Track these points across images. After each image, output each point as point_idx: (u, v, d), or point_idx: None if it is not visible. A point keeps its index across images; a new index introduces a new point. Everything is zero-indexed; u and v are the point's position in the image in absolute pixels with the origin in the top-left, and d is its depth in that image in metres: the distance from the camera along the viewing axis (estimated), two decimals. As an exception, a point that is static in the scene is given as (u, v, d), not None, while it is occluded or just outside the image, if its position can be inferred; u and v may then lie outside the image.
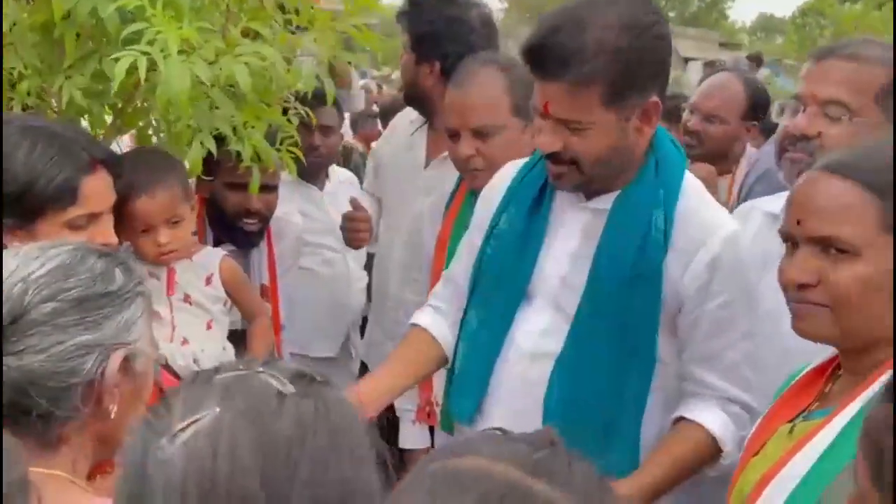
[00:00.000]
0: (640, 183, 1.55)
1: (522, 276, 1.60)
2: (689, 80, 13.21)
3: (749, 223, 1.76)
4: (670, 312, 1.54)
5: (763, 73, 11.02)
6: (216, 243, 2.20)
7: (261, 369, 0.81)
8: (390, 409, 2.23)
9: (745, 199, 2.34)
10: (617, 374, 1.53)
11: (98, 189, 1.53)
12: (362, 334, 2.76)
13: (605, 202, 1.56)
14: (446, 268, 2.04)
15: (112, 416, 1.02)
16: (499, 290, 1.63)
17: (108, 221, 1.57)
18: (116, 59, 1.51)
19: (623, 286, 1.51)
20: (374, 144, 2.61)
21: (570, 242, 1.59)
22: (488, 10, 2.40)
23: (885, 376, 0.87)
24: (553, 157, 1.52)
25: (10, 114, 1.67)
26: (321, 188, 2.69)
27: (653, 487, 1.49)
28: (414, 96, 2.37)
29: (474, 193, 2.04)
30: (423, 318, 1.78)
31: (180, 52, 1.49)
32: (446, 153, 2.23)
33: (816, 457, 1.10)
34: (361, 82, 5.19)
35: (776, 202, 1.69)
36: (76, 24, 1.62)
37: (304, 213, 2.58)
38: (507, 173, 1.73)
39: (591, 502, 0.68)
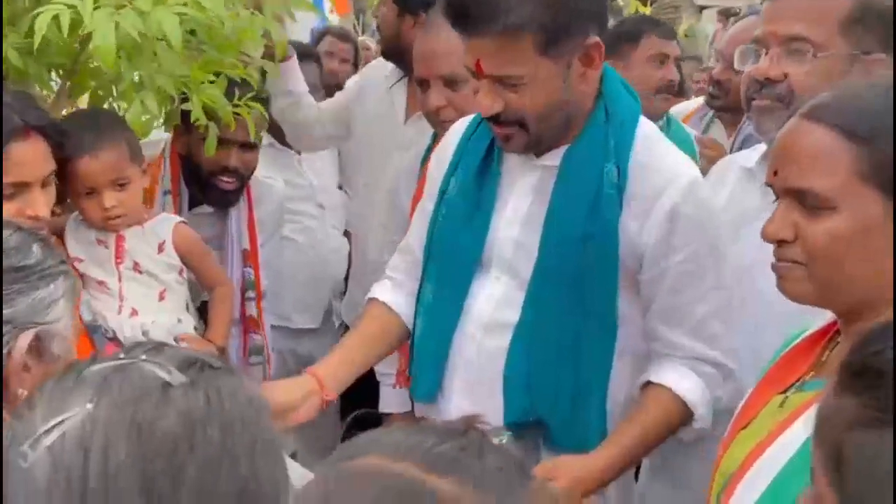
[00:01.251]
0: (589, 134, 1.44)
1: (475, 243, 1.50)
2: (703, 29, 12.91)
3: (726, 178, 1.66)
4: (630, 270, 1.44)
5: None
6: (192, 203, 2.13)
7: (144, 357, 0.70)
8: (370, 372, 2.18)
9: None
10: (577, 339, 1.44)
11: (28, 157, 1.45)
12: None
13: (556, 158, 1.46)
14: None
15: (19, 402, 0.92)
16: (452, 260, 1.54)
17: (40, 193, 1.48)
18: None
19: (576, 247, 1.42)
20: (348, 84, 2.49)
21: (521, 204, 1.49)
22: None
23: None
24: (495, 120, 1.41)
25: None
26: (299, 152, 2.60)
27: (622, 459, 1.43)
28: (395, 51, 2.25)
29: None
30: (382, 292, 1.69)
31: (117, 6, 1.39)
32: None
33: (810, 432, 1.01)
34: (361, 38, 5.04)
35: (752, 155, 1.60)
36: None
37: (286, 181, 2.48)
38: (457, 131, 1.61)
39: (505, 498, 0.60)
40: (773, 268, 1.09)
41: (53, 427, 0.66)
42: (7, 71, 1.60)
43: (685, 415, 1.45)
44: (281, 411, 1.43)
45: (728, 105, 2.62)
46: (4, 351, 0.92)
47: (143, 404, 0.67)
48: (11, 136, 1.42)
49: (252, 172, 2.11)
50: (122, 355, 0.71)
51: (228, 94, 1.77)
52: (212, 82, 1.69)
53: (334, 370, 1.54)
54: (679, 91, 3.03)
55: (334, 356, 1.60)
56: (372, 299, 1.69)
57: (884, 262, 0.99)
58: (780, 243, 1.06)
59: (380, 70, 2.38)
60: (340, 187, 2.93)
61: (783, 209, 1.06)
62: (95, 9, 1.39)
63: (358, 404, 2.41)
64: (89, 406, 0.67)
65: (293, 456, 1.92)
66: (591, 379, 1.46)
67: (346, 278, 2.75)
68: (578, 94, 1.41)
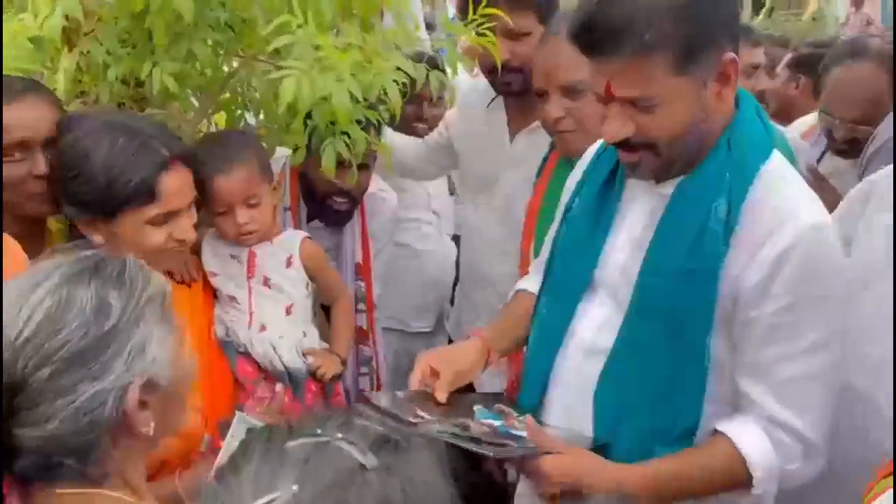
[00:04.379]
0: (707, 165, 1.35)
1: (587, 264, 1.48)
2: (834, 13, 12.17)
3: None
4: (727, 313, 1.34)
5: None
6: (309, 219, 2.21)
7: (339, 435, 0.73)
8: (470, 388, 2.20)
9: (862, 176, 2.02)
10: (667, 377, 1.36)
11: (176, 187, 1.53)
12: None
13: (674, 186, 1.39)
14: (536, 239, 1.95)
15: (151, 432, 0.98)
16: (565, 279, 1.53)
17: (187, 218, 1.57)
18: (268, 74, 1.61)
19: (675, 281, 1.34)
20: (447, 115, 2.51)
21: (635, 229, 1.43)
22: None
23: None
24: (624, 144, 1.35)
25: (89, 108, 1.70)
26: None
27: (640, 482, 1.34)
28: (511, 69, 2.23)
29: (567, 161, 1.94)
30: (528, 283, 1.73)
31: (324, 67, 1.52)
32: (534, 124, 2.13)
33: None
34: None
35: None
36: (166, 12, 1.63)
37: (401, 188, 2.54)
38: (588, 154, 1.60)
39: None
40: None
41: None
42: (153, 92, 1.72)
43: (740, 472, 1.34)
44: (463, 374, 1.55)
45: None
46: (117, 412, 0.94)
47: (344, 491, 0.70)
48: (160, 168, 1.51)
49: (364, 191, 2.18)
50: (318, 430, 0.74)
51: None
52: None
53: (497, 338, 1.62)
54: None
55: (494, 327, 1.67)
56: (520, 290, 1.74)
57: None
58: None
59: (475, 92, 2.37)
60: (451, 193, 2.96)
61: None
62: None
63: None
64: (295, 488, 0.70)
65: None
66: (678, 420, 1.38)
67: (454, 284, 2.79)
68: (713, 116, 1.34)
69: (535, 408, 1.54)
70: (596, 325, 1.47)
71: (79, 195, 1.51)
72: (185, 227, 1.57)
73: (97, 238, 1.54)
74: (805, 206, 1.34)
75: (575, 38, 1.32)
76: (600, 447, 1.41)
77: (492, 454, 1.30)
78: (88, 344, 0.92)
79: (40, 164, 1.53)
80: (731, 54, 1.30)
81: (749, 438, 1.34)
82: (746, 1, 11.92)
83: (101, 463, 0.95)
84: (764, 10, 11.47)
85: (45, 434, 0.91)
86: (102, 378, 0.93)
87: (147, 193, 1.49)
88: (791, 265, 1.29)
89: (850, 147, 2.40)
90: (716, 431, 1.37)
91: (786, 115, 3.11)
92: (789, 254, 1.29)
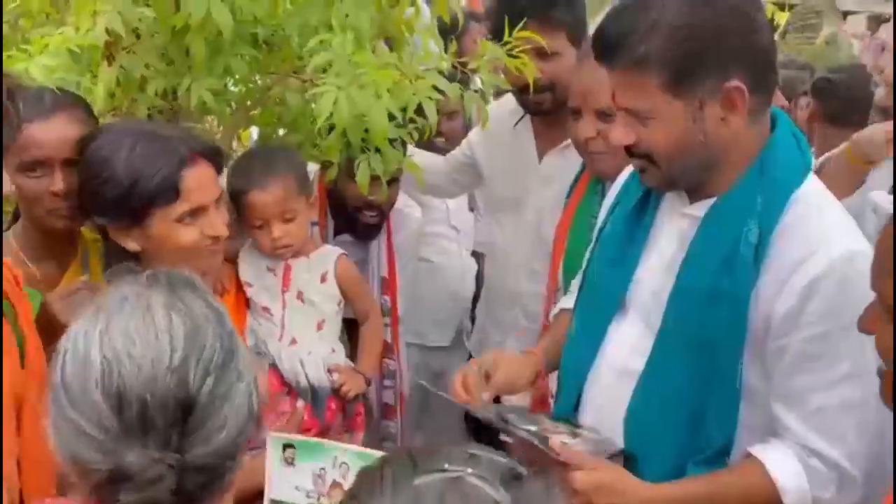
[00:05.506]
0: (739, 188, 1.36)
1: (619, 285, 1.48)
2: (848, 37, 12.19)
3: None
4: (759, 339, 1.33)
5: (935, 29, 10.01)
6: (336, 233, 2.23)
7: (469, 470, 0.72)
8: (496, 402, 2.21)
9: None
10: (698, 400, 1.36)
11: (200, 181, 1.53)
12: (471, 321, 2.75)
13: (703, 209, 1.40)
14: (566, 258, 1.96)
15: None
16: (597, 299, 1.54)
17: (216, 214, 1.56)
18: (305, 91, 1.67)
19: (705, 304, 1.34)
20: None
21: (666, 251, 1.44)
22: None
23: None
24: (629, 151, 1.39)
25: (114, 122, 1.72)
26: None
27: (678, 499, 1.35)
28: (542, 89, 2.26)
29: (598, 181, 1.96)
30: (570, 302, 1.73)
31: (361, 84, 1.55)
32: (564, 143, 2.15)
33: None
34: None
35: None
36: (205, 29, 1.66)
37: (422, 204, 2.56)
38: (623, 175, 1.62)
39: None
40: None
41: None
42: (191, 106, 1.75)
43: (771, 498, 1.33)
44: (512, 384, 1.61)
45: None
46: (257, 405, 0.96)
47: None
48: (183, 164, 1.50)
49: (393, 205, 2.20)
50: (446, 465, 0.73)
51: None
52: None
53: (548, 356, 1.66)
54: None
55: (545, 346, 1.71)
56: (563, 309, 1.76)
57: None
58: None
59: (502, 112, 2.37)
60: (471, 209, 2.98)
61: None
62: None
63: (482, 431, 2.45)
64: None
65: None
66: (711, 442, 1.37)
67: (474, 299, 2.79)
68: (718, 139, 1.33)
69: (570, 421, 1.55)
70: (627, 346, 1.47)
71: (106, 202, 1.51)
72: (215, 223, 1.56)
73: (131, 245, 1.54)
74: (838, 233, 1.33)
75: (592, 45, 1.39)
76: (629, 455, 1.42)
77: None
78: (227, 347, 0.93)
79: (58, 182, 1.55)
80: (736, 82, 1.29)
81: (781, 464, 1.33)
82: (760, 24, 11.90)
83: (235, 472, 0.95)
84: (777, 33, 11.52)
85: (217, 446, 0.89)
86: (244, 374, 0.94)
87: (171, 190, 1.49)
88: (821, 295, 1.28)
89: (882, 119, 2.35)
90: (748, 455, 1.37)
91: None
92: (820, 283, 1.28)
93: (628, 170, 1.61)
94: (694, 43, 1.28)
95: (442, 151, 2.62)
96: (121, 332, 0.90)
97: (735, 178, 1.37)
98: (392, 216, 2.26)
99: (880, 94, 2.49)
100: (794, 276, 1.30)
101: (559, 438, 1.39)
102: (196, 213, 1.53)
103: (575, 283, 1.75)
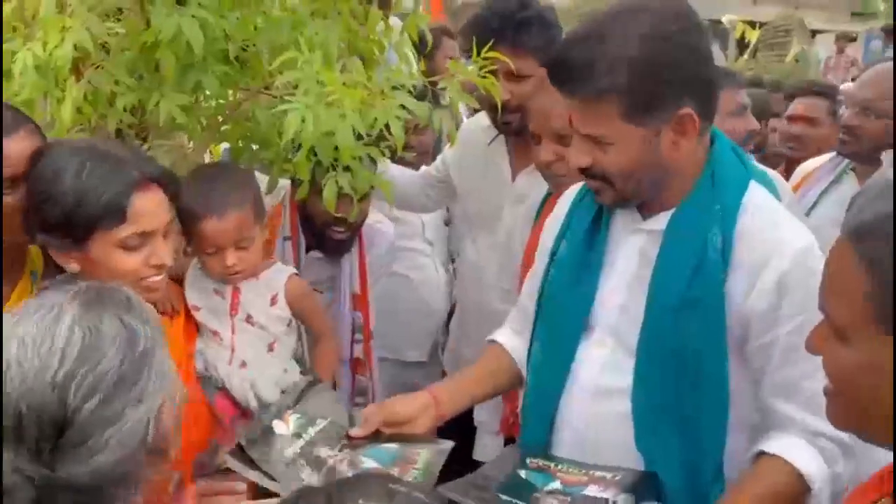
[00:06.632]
0: (695, 199, 1.44)
1: (582, 306, 1.52)
2: (817, 55, 12.43)
3: None
4: (737, 340, 1.41)
5: (901, 48, 10.22)
6: (307, 249, 2.22)
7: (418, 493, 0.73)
8: (469, 419, 2.21)
9: None
10: (689, 409, 1.41)
11: (149, 207, 1.48)
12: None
13: (660, 222, 1.47)
14: None
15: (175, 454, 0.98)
16: (559, 322, 1.56)
17: (161, 242, 1.51)
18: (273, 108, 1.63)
19: (681, 313, 1.40)
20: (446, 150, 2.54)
21: (627, 268, 1.50)
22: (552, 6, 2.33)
23: None
24: (585, 173, 1.46)
25: (62, 139, 1.66)
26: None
27: None
28: (510, 110, 2.27)
29: (566, 203, 1.98)
30: (503, 336, 1.76)
31: (328, 103, 1.54)
32: None
33: None
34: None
35: None
36: (175, 45, 1.65)
37: (395, 218, 2.56)
38: (569, 195, 1.66)
39: None
40: None
41: None
42: (160, 123, 1.72)
43: (800, 488, 1.39)
44: (400, 422, 1.57)
45: (860, 152, 2.51)
46: (157, 433, 0.94)
47: None
48: (132, 188, 1.46)
49: (364, 221, 2.18)
50: (361, 501, 0.74)
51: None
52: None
53: (451, 394, 1.64)
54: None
55: (453, 382, 1.71)
56: (492, 341, 1.76)
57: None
58: None
59: (475, 130, 2.40)
60: (447, 224, 2.98)
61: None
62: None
63: (454, 449, 2.45)
64: None
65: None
66: (707, 452, 1.43)
67: (450, 314, 2.79)
68: (671, 161, 1.42)
69: (541, 450, 1.56)
70: (598, 365, 1.50)
71: (49, 220, 1.46)
72: (160, 251, 1.50)
73: (71, 267, 1.49)
74: (792, 230, 1.43)
75: (549, 72, 1.44)
76: (652, 475, 1.44)
77: None
78: (127, 370, 0.92)
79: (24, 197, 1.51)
80: (688, 110, 1.38)
81: (801, 455, 1.39)
82: (731, 43, 12.14)
83: (141, 490, 0.94)
84: (748, 51, 11.70)
85: (96, 467, 0.89)
86: (144, 400, 0.92)
87: (117, 213, 1.44)
88: (792, 288, 1.37)
89: (851, 137, 2.48)
90: (762, 454, 1.41)
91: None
92: (789, 277, 1.37)
93: (572, 192, 1.65)
94: (653, 76, 1.36)
95: (412, 165, 2.63)
96: (19, 338, 0.90)
97: (686, 191, 1.45)
98: (364, 232, 2.25)
99: (849, 113, 2.54)
100: (763, 275, 1.38)
101: (588, 492, 1.39)
102: (142, 238, 1.48)
103: (515, 312, 1.76)
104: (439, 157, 2.52)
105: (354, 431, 1.56)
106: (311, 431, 1.55)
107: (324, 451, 1.52)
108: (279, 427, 1.55)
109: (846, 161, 2.63)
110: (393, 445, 1.55)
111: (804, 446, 1.39)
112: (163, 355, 0.98)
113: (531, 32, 2.13)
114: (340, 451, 1.53)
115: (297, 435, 1.54)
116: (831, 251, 0.97)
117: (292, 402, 1.61)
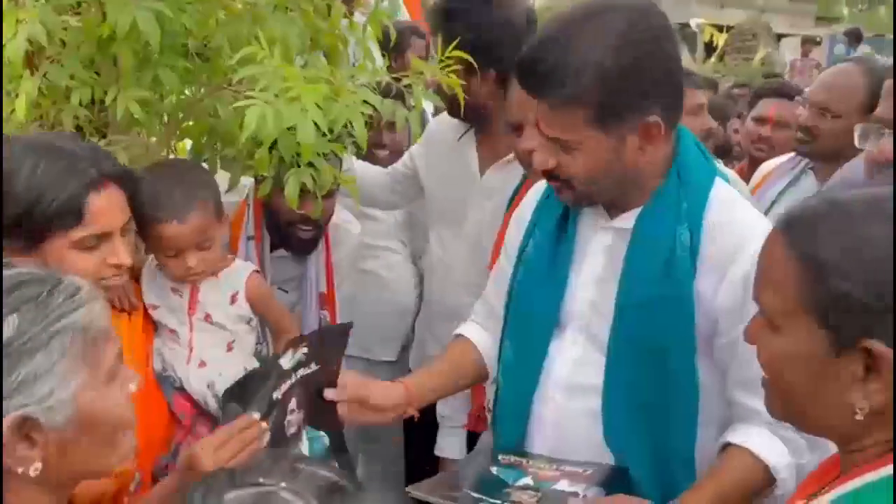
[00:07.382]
0: (661, 197, 1.44)
1: (552, 304, 1.52)
2: (782, 58, 12.62)
3: None
4: (706, 335, 1.43)
5: (863, 51, 10.42)
6: (272, 248, 2.19)
7: (283, 484, 0.70)
8: (431, 414, 2.20)
9: None
10: (661, 404, 1.42)
11: (106, 207, 1.44)
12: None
13: (628, 220, 1.47)
14: None
15: (37, 472, 0.89)
16: (530, 321, 1.56)
17: (120, 242, 1.47)
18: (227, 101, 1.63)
19: (650, 310, 1.41)
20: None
21: (595, 266, 1.50)
22: (531, 4, 2.31)
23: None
24: (547, 174, 1.47)
25: (18, 136, 1.60)
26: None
27: None
28: (467, 107, 2.27)
29: (539, 194, 1.98)
30: (469, 330, 1.76)
31: (289, 98, 1.51)
32: (507, 157, 2.15)
33: None
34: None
35: None
36: (132, 39, 1.62)
37: (366, 216, 2.53)
38: (534, 193, 1.66)
39: None
40: None
41: None
42: (117, 118, 1.69)
43: (766, 479, 1.40)
44: (375, 410, 1.57)
45: (818, 151, 2.54)
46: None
47: None
48: (90, 188, 1.41)
49: (329, 220, 2.15)
50: (261, 479, 0.70)
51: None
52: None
53: (421, 389, 1.63)
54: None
55: (422, 375, 1.69)
56: (459, 335, 1.76)
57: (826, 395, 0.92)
58: None
59: (443, 126, 2.38)
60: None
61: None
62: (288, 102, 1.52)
63: (416, 443, 2.43)
64: None
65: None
66: (678, 446, 1.44)
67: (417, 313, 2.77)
68: (636, 165, 1.42)
69: (514, 448, 1.56)
70: (571, 362, 1.51)
71: (3, 221, 1.39)
72: (119, 251, 1.46)
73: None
74: (757, 225, 1.42)
75: (515, 71, 1.43)
76: (622, 470, 1.45)
77: None
78: None
79: None
80: (655, 117, 1.38)
81: (764, 444, 1.40)
82: (699, 45, 12.29)
83: None
84: (715, 54, 11.84)
85: None
86: None
87: (74, 212, 1.40)
88: None
89: (809, 137, 2.53)
90: (728, 445, 1.42)
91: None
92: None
93: (539, 188, 1.65)
94: (621, 83, 1.35)
95: (385, 163, 2.61)
96: None
97: (653, 188, 1.45)
98: (330, 231, 2.22)
99: (806, 114, 2.57)
100: (730, 271, 1.39)
101: (559, 486, 1.39)
102: (100, 239, 1.44)
103: (480, 306, 1.76)
104: (406, 153, 2.51)
105: (329, 395, 1.55)
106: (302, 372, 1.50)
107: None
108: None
109: (805, 161, 2.67)
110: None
111: (769, 436, 1.40)
112: (46, 365, 0.90)
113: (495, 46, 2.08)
114: None
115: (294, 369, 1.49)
116: (764, 244, 0.99)
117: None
